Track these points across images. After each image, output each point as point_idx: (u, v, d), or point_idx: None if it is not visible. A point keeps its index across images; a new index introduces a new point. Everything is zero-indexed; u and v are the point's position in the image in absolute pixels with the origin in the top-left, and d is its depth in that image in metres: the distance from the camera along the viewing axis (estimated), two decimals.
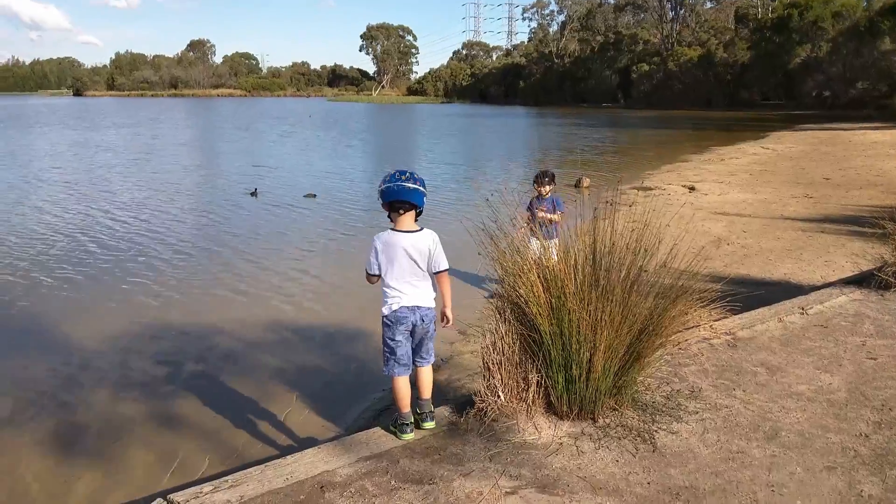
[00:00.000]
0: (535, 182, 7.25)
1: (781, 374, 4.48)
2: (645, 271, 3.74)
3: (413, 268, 3.59)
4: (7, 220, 12.52)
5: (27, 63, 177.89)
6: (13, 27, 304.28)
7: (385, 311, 3.65)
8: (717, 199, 13.64)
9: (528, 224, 4.46)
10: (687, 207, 11.60)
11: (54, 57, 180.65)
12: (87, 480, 4.21)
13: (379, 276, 3.66)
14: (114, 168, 20.99)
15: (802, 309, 5.76)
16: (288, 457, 3.50)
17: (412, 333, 3.68)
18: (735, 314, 5.29)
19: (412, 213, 3.60)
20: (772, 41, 58.84)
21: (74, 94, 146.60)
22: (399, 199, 3.54)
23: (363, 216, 13.01)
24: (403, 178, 3.53)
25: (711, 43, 69.72)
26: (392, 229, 3.61)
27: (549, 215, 6.58)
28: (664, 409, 3.92)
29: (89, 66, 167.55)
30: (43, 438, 4.73)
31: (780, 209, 12.45)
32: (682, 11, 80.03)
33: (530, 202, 7.06)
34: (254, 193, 15.37)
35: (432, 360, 3.84)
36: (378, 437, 3.67)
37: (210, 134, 38.43)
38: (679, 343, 4.34)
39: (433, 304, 3.71)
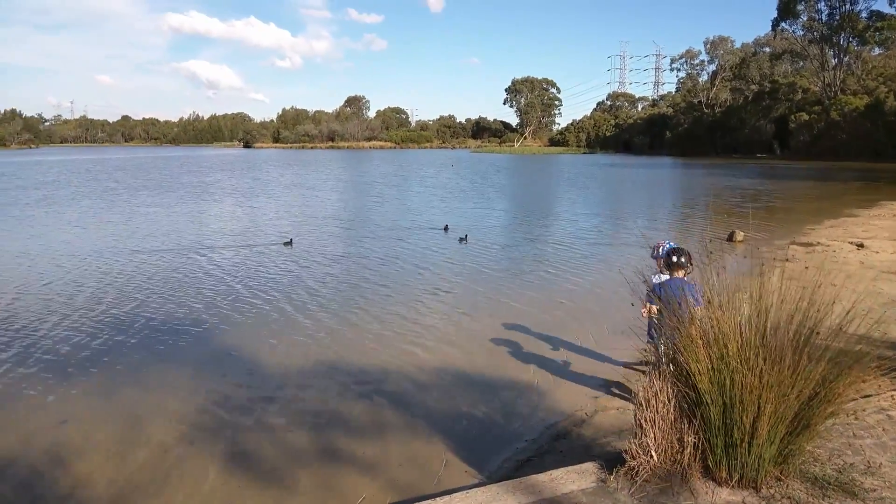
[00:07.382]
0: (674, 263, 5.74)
1: None
2: (816, 333, 3.48)
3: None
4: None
5: (205, 118, 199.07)
6: (194, 86, 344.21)
7: None
8: (891, 258, 12.48)
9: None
10: (856, 266, 10.71)
11: (228, 112, 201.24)
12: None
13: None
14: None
15: None
16: (434, 500, 3.54)
17: None
18: None
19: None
20: None
21: (244, 146, 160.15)
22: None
23: (511, 260, 13.13)
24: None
25: (880, 91, 64.83)
26: (669, 276, 5.73)
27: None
28: (836, 483, 3.59)
29: (258, 121, 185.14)
30: (211, 461, 5.09)
31: None
32: (846, 58, 75.01)
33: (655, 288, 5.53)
34: (446, 229, 17.69)
35: None
36: (525, 488, 3.63)
37: (407, 183, 41.06)
38: (854, 412, 4.00)
39: None
